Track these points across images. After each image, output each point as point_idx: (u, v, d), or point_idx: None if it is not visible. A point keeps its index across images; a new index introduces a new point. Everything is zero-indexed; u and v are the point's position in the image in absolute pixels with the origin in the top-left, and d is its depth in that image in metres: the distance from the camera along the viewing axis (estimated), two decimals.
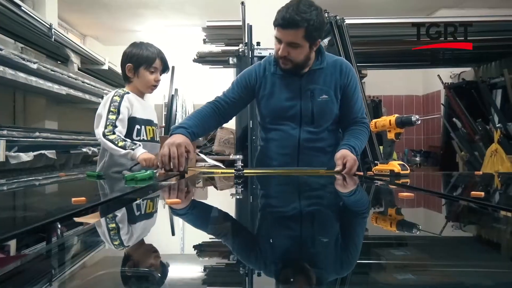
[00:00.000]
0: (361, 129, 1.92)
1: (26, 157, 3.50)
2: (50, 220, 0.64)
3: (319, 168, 1.80)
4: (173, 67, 6.51)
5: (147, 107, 2.06)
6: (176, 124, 1.91)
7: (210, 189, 1.62)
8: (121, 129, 1.84)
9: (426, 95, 6.80)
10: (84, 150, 4.61)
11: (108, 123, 1.82)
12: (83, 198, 0.78)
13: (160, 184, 1.35)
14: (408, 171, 1.47)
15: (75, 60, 4.74)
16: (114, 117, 1.83)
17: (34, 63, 3.71)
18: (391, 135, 1.51)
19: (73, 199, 0.77)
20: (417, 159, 5.99)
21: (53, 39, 4.00)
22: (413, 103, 6.99)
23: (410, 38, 4.19)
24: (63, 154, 4.39)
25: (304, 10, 1.68)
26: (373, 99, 6.01)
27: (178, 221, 0.84)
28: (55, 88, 4.14)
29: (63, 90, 4.31)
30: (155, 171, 1.47)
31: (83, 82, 4.79)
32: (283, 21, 1.69)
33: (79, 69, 4.91)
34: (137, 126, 1.94)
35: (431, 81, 6.16)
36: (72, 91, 4.53)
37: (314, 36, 1.74)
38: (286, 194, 1.32)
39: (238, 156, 1.59)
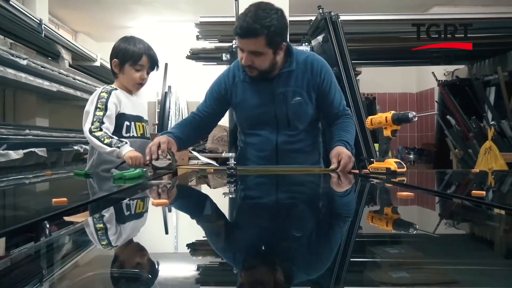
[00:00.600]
0: (347, 121, 1.89)
1: (15, 155, 3.44)
2: (26, 223, 0.60)
3: (314, 166, 1.77)
4: (166, 64, 6.46)
5: (136, 103, 2.01)
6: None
7: (202, 187, 1.58)
8: (109, 126, 1.80)
9: (420, 92, 6.79)
10: (75, 148, 4.56)
11: (95, 120, 1.77)
12: (64, 199, 0.73)
13: (150, 183, 1.31)
14: (404, 169, 1.44)
15: (66, 56, 4.67)
16: (101, 113, 1.79)
17: (24, 59, 3.65)
18: (387, 132, 1.48)
19: (53, 199, 0.73)
20: (411, 156, 5.99)
21: (43, 35, 3.94)
22: (407, 101, 6.97)
23: (405, 35, 4.17)
24: (54, 152, 4.33)
25: (263, 16, 1.60)
26: (367, 96, 5.98)
27: (166, 220, 0.80)
28: (46, 84, 4.08)
29: (54, 87, 4.25)
30: (145, 169, 1.42)
31: (74, 78, 4.73)
32: (241, 31, 1.63)
33: (70, 65, 4.84)
34: (126, 123, 1.90)
35: (424, 78, 6.15)
36: (63, 88, 4.47)
37: (276, 41, 1.67)
38: (279, 193, 1.29)
39: (231, 154, 1.55)
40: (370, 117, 1.58)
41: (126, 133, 1.89)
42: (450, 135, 4.61)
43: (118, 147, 1.70)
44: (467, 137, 4.34)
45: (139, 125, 1.97)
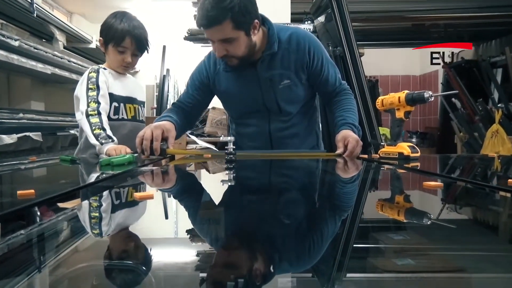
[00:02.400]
0: (347, 98, 1.75)
1: (8, 139, 3.36)
2: None
3: (314, 150, 1.67)
4: (164, 47, 6.31)
5: (128, 83, 1.88)
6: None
7: (198, 174, 1.45)
8: (105, 106, 1.68)
9: (423, 75, 6.67)
10: (72, 132, 4.46)
11: (90, 101, 1.65)
12: (31, 191, 0.62)
13: (140, 170, 1.19)
14: (418, 154, 1.33)
15: (60, 37, 4.54)
16: (94, 93, 1.67)
17: (16, 40, 3.52)
18: (400, 114, 1.36)
19: (18, 192, 0.62)
20: (413, 140, 5.90)
21: (35, 15, 3.80)
22: (410, 83, 6.85)
23: (411, 15, 4.04)
24: (50, 136, 4.24)
25: None
26: (369, 79, 5.85)
27: (153, 213, 0.69)
28: (39, 67, 3.96)
29: (48, 69, 4.14)
30: (135, 154, 1.31)
31: (69, 61, 4.59)
32: (203, 21, 1.46)
33: (64, 47, 4.72)
34: (115, 104, 1.77)
35: (428, 60, 6.01)
36: (57, 71, 4.35)
37: (244, 21, 1.48)
38: (284, 182, 1.18)
39: (229, 138, 1.43)
40: (381, 97, 1.47)
41: (114, 115, 1.77)
42: (455, 118, 4.51)
43: (102, 144, 1.58)
44: (473, 120, 4.24)
45: (129, 107, 1.84)
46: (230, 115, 1.91)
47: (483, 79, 4.39)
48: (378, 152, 1.46)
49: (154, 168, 1.27)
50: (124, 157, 1.19)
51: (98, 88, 1.68)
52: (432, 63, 5.18)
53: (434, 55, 4.99)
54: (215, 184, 1.10)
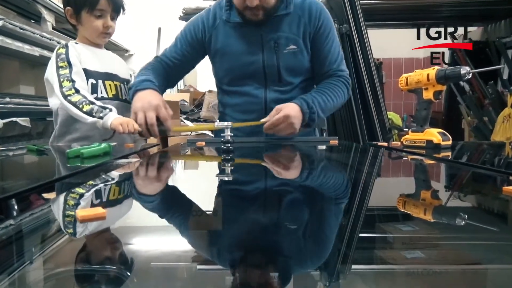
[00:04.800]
0: (334, 83, 1.56)
1: None
2: None
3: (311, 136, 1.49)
4: (159, 29, 6.10)
5: (105, 58, 1.67)
6: (135, 80, 1.55)
7: (187, 168, 1.22)
8: (81, 83, 1.48)
9: (428, 57, 6.45)
10: None
11: (62, 80, 1.44)
12: None
13: (116, 162, 0.97)
14: (449, 142, 1.15)
15: (49, 18, 4.32)
16: (66, 71, 1.46)
17: (0, 19, 3.32)
18: (428, 94, 1.17)
19: None
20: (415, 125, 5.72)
21: None
22: (414, 67, 6.65)
23: None
24: (40, 121, 4.07)
25: None
26: (373, 61, 5.65)
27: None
28: (26, 48, 3.76)
29: (36, 51, 3.94)
30: (113, 144, 1.10)
31: (58, 42, 4.38)
32: None
33: (53, 28, 4.49)
34: (91, 81, 1.56)
35: (432, 43, 5.80)
36: (46, 52, 4.14)
37: None
38: (294, 179, 0.98)
39: (226, 124, 1.23)
40: (405, 75, 1.28)
41: (92, 93, 1.56)
42: (464, 102, 4.34)
43: (101, 117, 1.38)
44: (483, 104, 4.07)
45: (109, 84, 1.63)
46: (220, 81, 1.68)
47: (493, 60, 4.22)
48: (401, 140, 1.27)
49: (134, 160, 1.06)
50: (98, 147, 0.98)
51: (70, 65, 1.48)
52: (432, 63, 5.04)
53: (434, 55, 4.85)
54: (211, 180, 0.91)
